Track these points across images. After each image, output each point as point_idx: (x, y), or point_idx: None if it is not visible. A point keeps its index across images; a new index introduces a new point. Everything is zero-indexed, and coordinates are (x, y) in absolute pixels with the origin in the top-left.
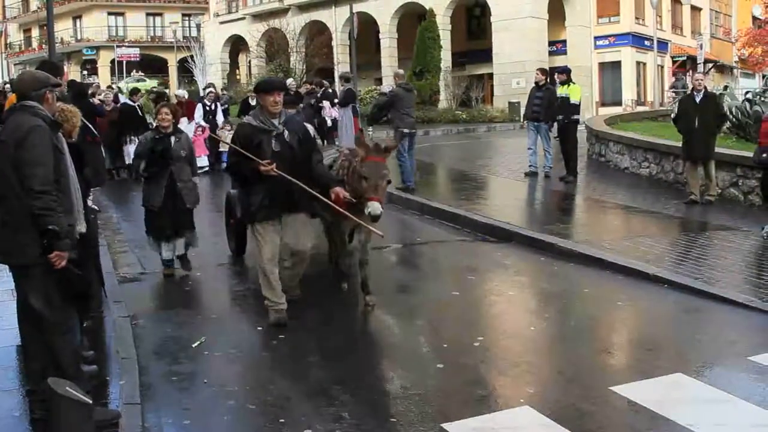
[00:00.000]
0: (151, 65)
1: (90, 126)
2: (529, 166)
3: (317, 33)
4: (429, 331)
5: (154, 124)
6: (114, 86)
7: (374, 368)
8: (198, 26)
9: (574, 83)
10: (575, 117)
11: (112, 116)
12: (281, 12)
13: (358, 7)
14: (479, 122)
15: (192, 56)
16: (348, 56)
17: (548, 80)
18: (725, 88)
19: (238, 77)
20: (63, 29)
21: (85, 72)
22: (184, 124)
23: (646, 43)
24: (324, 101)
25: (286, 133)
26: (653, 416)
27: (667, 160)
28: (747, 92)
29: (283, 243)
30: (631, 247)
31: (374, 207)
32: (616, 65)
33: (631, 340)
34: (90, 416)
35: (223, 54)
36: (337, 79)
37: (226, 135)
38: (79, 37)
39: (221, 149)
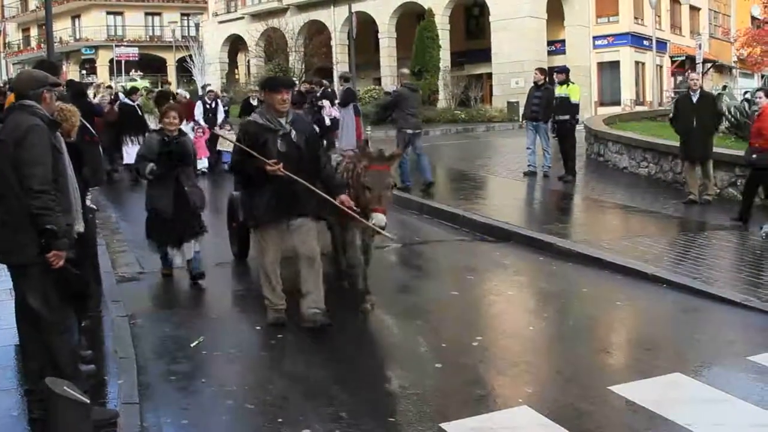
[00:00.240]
0: (150, 65)
1: (88, 125)
2: (528, 165)
3: (316, 33)
4: (428, 331)
5: (153, 126)
6: (113, 86)
7: (373, 368)
8: (197, 26)
9: (573, 83)
10: (577, 117)
11: (110, 117)
12: (280, 11)
13: (356, 7)
14: (478, 122)
15: (191, 56)
16: (347, 56)
17: (547, 80)
18: (724, 88)
19: (237, 77)
20: (62, 29)
21: (84, 71)
22: (182, 124)
23: (645, 42)
24: (323, 100)
25: (293, 133)
26: (651, 416)
27: (666, 159)
28: (746, 92)
29: (291, 248)
30: (629, 246)
31: (379, 219)
32: (615, 65)
33: (629, 339)
34: (88, 416)
35: (221, 54)
36: (335, 79)
37: (226, 133)
38: (77, 37)
39: (221, 148)
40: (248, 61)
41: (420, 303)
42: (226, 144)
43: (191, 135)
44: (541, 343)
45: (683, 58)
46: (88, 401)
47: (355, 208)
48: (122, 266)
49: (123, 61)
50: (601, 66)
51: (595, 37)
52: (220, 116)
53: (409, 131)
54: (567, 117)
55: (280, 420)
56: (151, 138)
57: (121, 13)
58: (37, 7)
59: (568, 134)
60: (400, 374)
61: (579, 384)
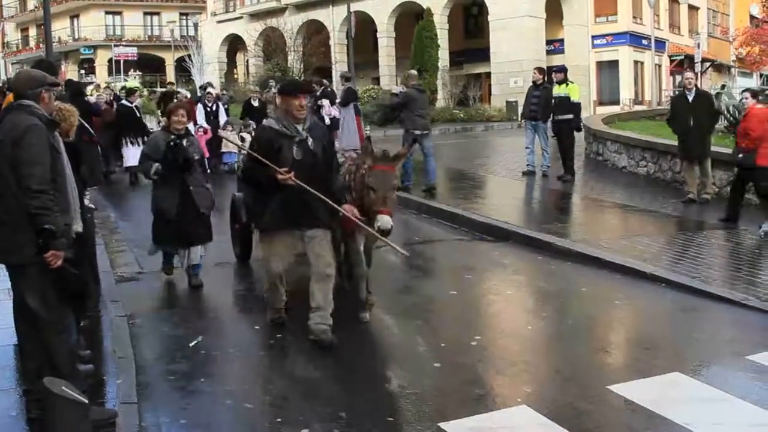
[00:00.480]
0: (149, 65)
1: (87, 125)
2: (527, 165)
3: (315, 32)
4: (426, 331)
5: (154, 127)
6: (111, 86)
7: (372, 367)
8: (195, 25)
9: (572, 82)
10: (580, 117)
11: (107, 117)
12: (279, 11)
13: (355, 7)
14: (477, 121)
15: (189, 55)
16: (345, 55)
17: (545, 79)
18: (723, 87)
19: (235, 76)
20: (60, 28)
21: (83, 71)
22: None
23: (644, 42)
24: (323, 100)
25: (310, 140)
26: (650, 415)
27: (665, 159)
28: (744, 91)
29: (300, 255)
30: (628, 246)
31: (384, 221)
32: (614, 64)
33: (628, 339)
34: (86, 415)
35: (220, 53)
36: (334, 79)
37: (230, 135)
38: (76, 36)
39: (223, 150)
40: (247, 61)
41: (419, 302)
42: (230, 145)
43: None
44: (539, 342)
45: (682, 57)
46: (87, 401)
47: (360, 216)
48: (121, 266)
49: (122, 61)
50: (600, 65)
51: (593, 37)
52: (222, 118)
53: (417, 132)
54: (569, 116)
55: (279, 420)
56: (157, 137)
57: (119, 13)
58: (35, 7)
59: (567, 133)
60: (399, 374)
61: (578, 383)
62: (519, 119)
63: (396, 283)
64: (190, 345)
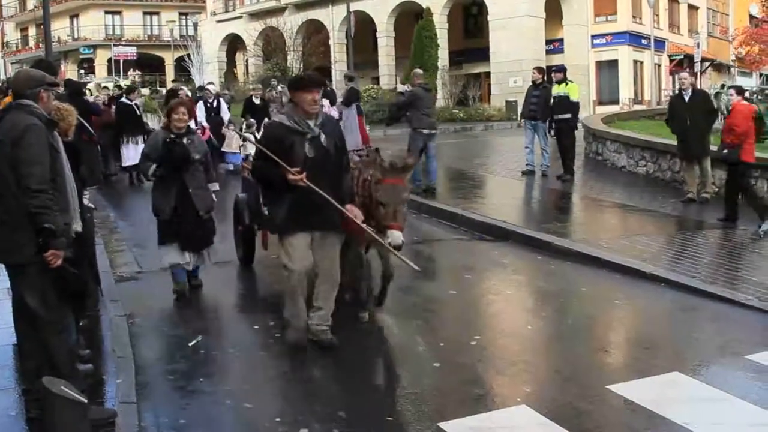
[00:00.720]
0: (148, 64)
1: (86, 125)
2: (527, 164)
3: (314, 32)
4: (426, 330)
5: (153, 125)
6: (109, 86)
7: (371, 367)
8: (195, 25)
9: (571, 81)
10: (578, 116)
11: (106, 118)
12: (278, 11)
13: (355, 6)
14: (476, 121)
15: (189, 55)
16: (345, 55)
17: (545, 79)
18: (722, 86)
19: (237, 76)
20: (60, 28)
21: (83, 71)
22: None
23: (643, 41)
24: (323, 100)
25: (323, 136)
26: (650, 415)
27: (664, 158)
28: (730, 88)
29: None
30: (627, 245)
31: (395, 237)
32: (613, 64)
33: (628, 338)
34: (85, 415)
35: (220, 53)
36: (334, 78)
37: (231, 136)
38: (76, 36)
39: (225, 149)
40: (246, 61)
41: (418, 302)
42: (234, 145)
43: None
44: (539, 342)
45: (681, 56)
46: (86, 401)
47: (359, 218)
48: (121, 266)
49: (121, 61)
50: (600, 65)
51: (593, 36)
52: (225, 115)
53: (426, 131)
54: (568, 116)
55: (278, 419)
56: (157, 136)
57: (119, 13)
58: (35, 7)
59: (567, 133)
60: (399, 373)
61: (577, 383)
62: (518, 119)
63: (396, 283)
64: (190, 345)
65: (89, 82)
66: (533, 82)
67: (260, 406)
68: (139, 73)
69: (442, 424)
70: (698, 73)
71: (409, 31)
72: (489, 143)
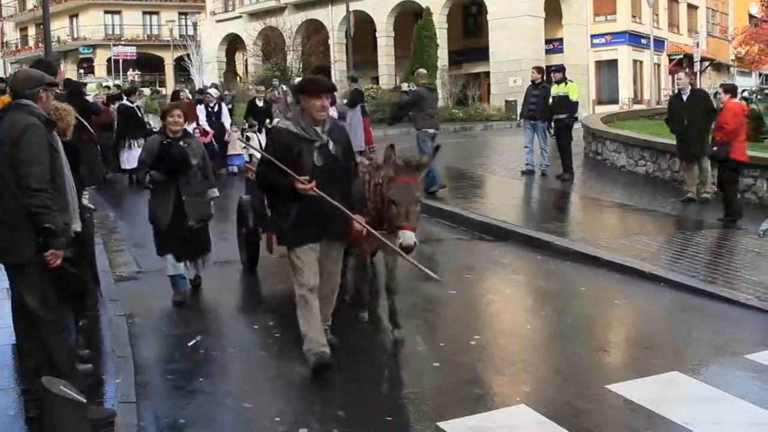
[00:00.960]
0: (148, 64)
1: (86, 124)
2: (526, 164)
3: (314, 31)
4: (426, 330)
5: (155, 126)
6: (108, 86)
7: (371, 367)
8: (194, 25)
9: (571, 81)
10: (576, 115)
11: (105, 117)
12: (278, 10)
13: (354, 6)
14: (476, 121)
15: (188, 55)
16: (345, 55)
17: (544, 79)
18: (721, 86)
19: (238, 76)
20: (60, 28)
21: (82, 71)
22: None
23: (643, 41)
24: None
25: (331, 144)
26: (649, 414)
27: (664, 158)
28: (743, 90)
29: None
30: (627, 245)
31: (407, 237)
32: (613, 63)
33: (627, 338)
34: (84, 415)
35: (219, 53)
36: (333, 79)
37: (235, 137)
38: (75, 36)
39: (230, 152)
40: (246, 60)
41: (418, 302)
42: (239, 147)
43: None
44: (539, 341)
45: (681, 56)
46: (84, 401)
47: (371, 229)
48: (120, 265)
49: (121, 60)
50: (599, 64)
51: (592, 36)
52: (226, 120)
53: (431, 131)
54: (566, 115)
55: (277, 419)
56: (153, 141)
57: (118, 12)
58: (34, 6)
59: (566, 132)
60: (398, 373)
61: (577, 383)
62: (518, 119)
63: None
64: (189, 344)
65: (88, 83)
66: (532, 81)
67: (260, 405)
68: (139, 72)
69: (441, 424)
70: (698, 73)
71: (408, 30)
72: (488, 143)
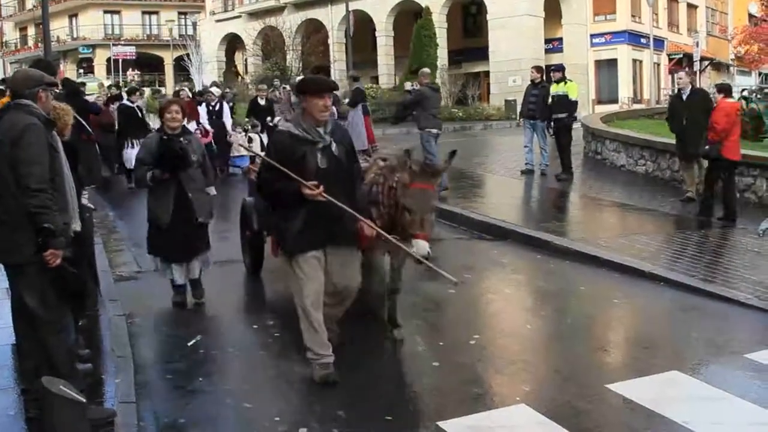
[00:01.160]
0: (147, 63)
1: (84, 124)
2: (526, 163)
3: (313, 31)
4: (425, 330)
5: (156, 126)
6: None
7: (370, 366)
8: (194, 24)
9: (570, 80)
10: (575, 115)
11: (104, 119)
12: (277, 10)
13: (354, 5)
14: (476, 120)
15: (188, 54)
16: (344, 54)
17: (544, 78)
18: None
19: (239, 76)
20: (59, 27)
21: (81, 70)
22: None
23: (643, 40)
24: None
25: (334, 145)
26: (649, 414)
27: (663, 157)
28: (743, 90)
29: (327, 279)
30: (626, 244)
31: (421, 246)
32: (613, 63)
33: (627, 337)
34: (84, 415)
35: (219, 52)
36: (332, 78)
37: (239, 138)
38: (75, 36)
39: (233, 154)
40: (245, 60)
41: (418, 302)
42: (241, 148)
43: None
44: (538, 341)
45: (681, 55)
46: (85, 400)
47: (382, 232)
48: (120, 265)
49: (120, 60)
50: (599, 64)
51: (592, 35)
52: (227, 120)
53: (435, 131)
54: (565, 114)
55: (277, 419)
56: (151, 138)
57: (118, 12)
58: (34, 6)
59: (565, 132)
60: (398, 373)
61: (576, 382)
62: (517, 118)
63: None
64: (189, 344)
65: (87, 83)
66: (532, 81)
67: (259, 405)
68: (138, 72)
69: (441, 424)
70: (697, 72)
71: (408, 30)
72: (488, 142)
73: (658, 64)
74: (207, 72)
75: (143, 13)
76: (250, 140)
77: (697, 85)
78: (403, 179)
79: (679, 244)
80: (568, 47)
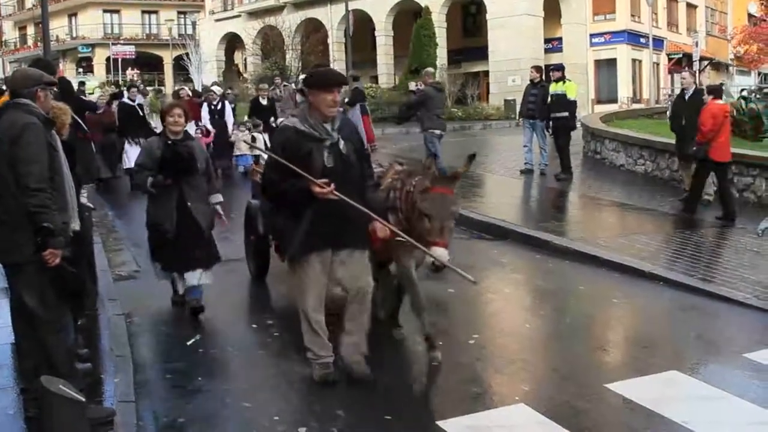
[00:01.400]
0: (147, 63)
1: (81, 122)
2: (525, 163)
3: (313, 30)
4: None
5: (157, 126)
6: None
7: (370, 366)
8: (193, 24)
9: (569, 80)
10: (575, 115)
11: (105, 119)
12: (277, 9)
13: (353, 5)
14: (475, 120)
15: (187, 54)
16: (344, 54)
17: (543, 78)
18: (721, 85)
19: (239, 75)
20: (58, 27)
21: (81, 70)
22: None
23: (642, 40)
24: None
25: (342, 142)
26: (648, 414)
27: (663, 157)
28: (742, 89)
29: (336, 281)
30: (626, 244)
31: (441, 254)
32: (612, 63)
33: (626, 337)
34: (83, 414)
35: (218, 52)
36: None
37: (240, 137)
38: (74, 35)
39: (236, 153)
40: (245, 59)
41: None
42: (244, 147)
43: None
44: (537, 341)
45: (680, 55)
46: (84, 400)
47: (396, 232)
48: (119, 265)
49: (120, 59)
50: (598, 64)
51: (592, 35)
52: (229, 119)
53: (438, 132)
54: (565, 114)
55: (276, 418)
56: (152, 143)
57: (117, 11)
58: (33, 5)
59: (564, 131)
60: (397, 372)
61: (576, 382)
62: (517, 118)
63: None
64: (188, 343)
65: (85, 83)
66: (531, 81)
67: (259, 405)
68: (138, 72)
69: (440, 423)
70: (697, 72)
71: (407, 29)
72: (487, 142)
73: (658, 64)
74: (206, 71)
75: (143, 12)
76: (253, 139)
77: (699, 86)
78: (422, 183)
79: (678, 244)
80: (567, 47)
